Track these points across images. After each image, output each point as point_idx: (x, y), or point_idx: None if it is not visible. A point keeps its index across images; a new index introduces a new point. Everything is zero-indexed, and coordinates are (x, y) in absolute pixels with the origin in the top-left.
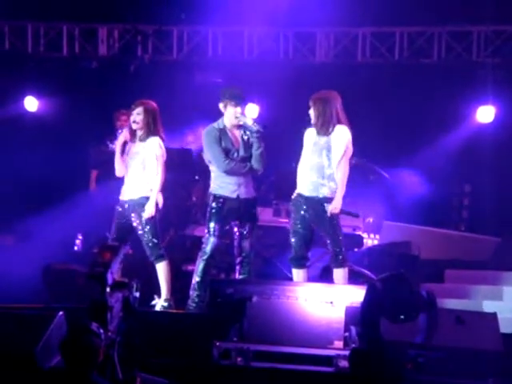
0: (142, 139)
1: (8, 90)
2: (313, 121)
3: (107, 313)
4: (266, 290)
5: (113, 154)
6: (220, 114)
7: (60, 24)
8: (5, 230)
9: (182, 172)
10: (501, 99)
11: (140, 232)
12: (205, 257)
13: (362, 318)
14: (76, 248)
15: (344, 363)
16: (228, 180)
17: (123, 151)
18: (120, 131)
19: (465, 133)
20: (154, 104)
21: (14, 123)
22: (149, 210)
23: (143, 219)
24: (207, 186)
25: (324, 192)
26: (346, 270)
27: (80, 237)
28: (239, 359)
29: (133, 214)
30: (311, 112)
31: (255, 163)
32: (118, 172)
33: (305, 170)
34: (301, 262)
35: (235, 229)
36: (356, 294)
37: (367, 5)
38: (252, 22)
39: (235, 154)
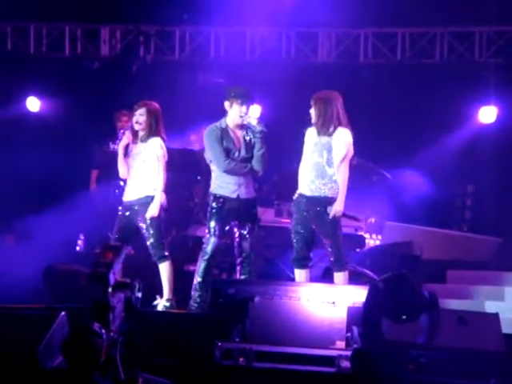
0: (144, 140)
1: (10, 91)
2: (313, 120)
3: (109, 313)
4: (268, 291)
5: (114, 154)
6: (222, 114)
7: (62, 24)
8: (6, 230)
9: (184, 172)
10: (503, 100)
11: (145, 232)
12: (206, 257)
13: (364, 319)
14: (78, 248)
15: (346, 363)
16: (228, 180)
17: (126, 153)
18: (122, 132)
19: (467, 133)
20: (156, 105)
21: (16, 123)
22: (152, 211)
23: (148, 219)
24: (209, 186)
25: (325, 192)
26: (347, 273)
27: (82, 237)
28: (241, 359)
29: (138, 215)
30: (312, 111)
31: (256, 164)
32: (122, 174)
33: (306, 169)
34: (303, 263)
35: (235, 229)
36: (358, 295)
37: (369, 5)
38: (254, 22)
39: (236, 154)
